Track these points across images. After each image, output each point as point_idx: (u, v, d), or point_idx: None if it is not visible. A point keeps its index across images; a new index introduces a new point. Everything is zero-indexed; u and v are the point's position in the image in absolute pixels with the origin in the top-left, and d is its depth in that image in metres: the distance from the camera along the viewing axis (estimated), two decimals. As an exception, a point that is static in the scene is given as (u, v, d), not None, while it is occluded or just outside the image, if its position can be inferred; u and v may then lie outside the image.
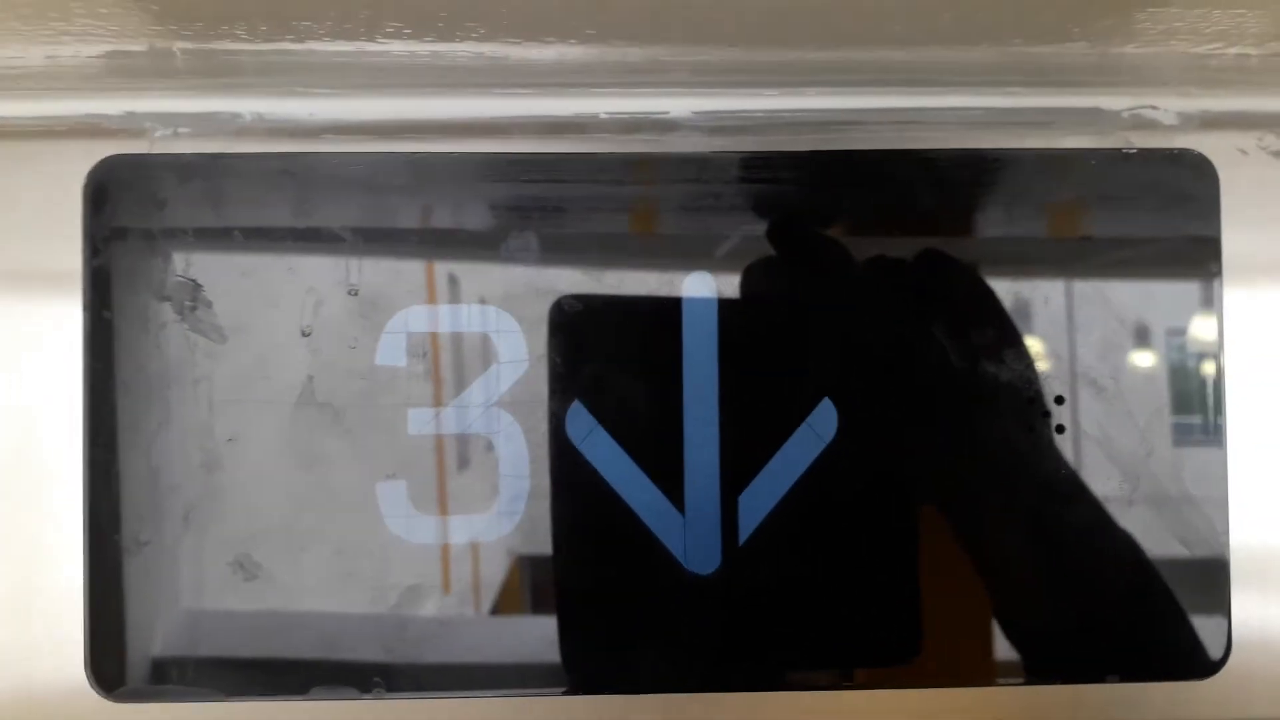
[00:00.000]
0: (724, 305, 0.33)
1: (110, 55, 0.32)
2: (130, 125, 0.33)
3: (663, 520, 0.33)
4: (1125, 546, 0.33)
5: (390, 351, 0.33)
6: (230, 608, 0.32)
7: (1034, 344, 0.33)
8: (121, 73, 0.33)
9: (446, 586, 0.33)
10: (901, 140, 0.34)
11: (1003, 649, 0.33)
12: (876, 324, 0.33)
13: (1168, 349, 0.34)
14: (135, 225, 0.33)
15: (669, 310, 0.33)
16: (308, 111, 0.34)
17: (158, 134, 0.33)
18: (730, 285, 0.33)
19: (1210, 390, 0.34)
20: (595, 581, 0.33)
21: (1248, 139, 0.35)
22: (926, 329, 0.33)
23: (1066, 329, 0.34)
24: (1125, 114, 0.35)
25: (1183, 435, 0.34)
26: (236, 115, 0.34)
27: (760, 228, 0.33)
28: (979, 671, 0.33)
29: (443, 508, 0.33)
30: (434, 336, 0.33)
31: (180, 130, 0.33)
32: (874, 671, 0.33)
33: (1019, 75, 0.34)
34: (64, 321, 0.32)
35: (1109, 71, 0.34)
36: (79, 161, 0.33)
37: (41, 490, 0.32)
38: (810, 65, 0.34)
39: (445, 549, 0.33)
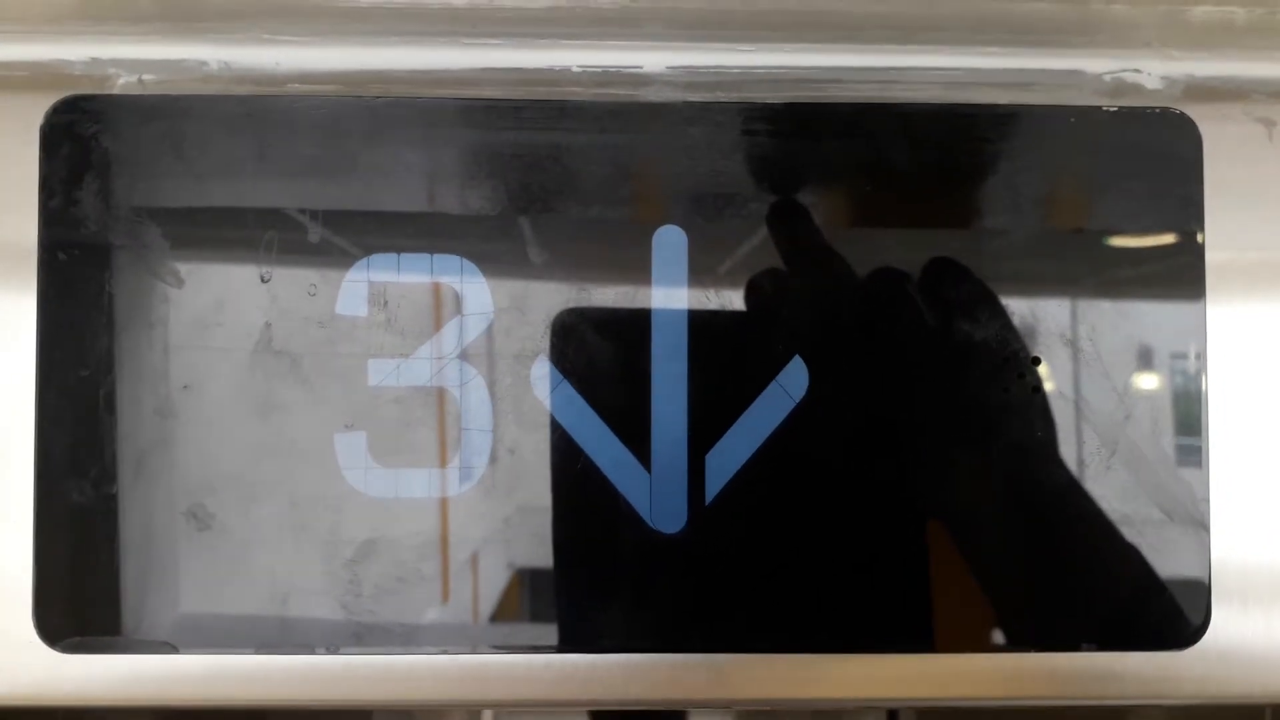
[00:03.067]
0: (694, 259, 0.32)
1: (75, -6, 0.32)
2: (94, 71, 0.33)
3: (628, 478, 0.32)
4: (1102, 511, 0.32)
5: (351, 300, 0.32)
6: (182, 559, 0.32)
7: (1010, 304, 0.33)
8: (86, 15, 0.33)
9: (405, 541, 0.32)
10: (879, 96, 0.33)
11: (977, 615, 0.33)
12: (849, 281, 0.33)
13: (1147, 311, 0.33)
14: (92, 166, 0.32)
15: (638, 264, 0.32)
16: (274, 60, 0.33)
17: (121, 80, 0.33)
18: (700, 238, 0.32)
19: (1189, 350, 0.33)
20: (559, 539, 0.32)
21: (1233, 105, 0.34)
22: (900, 286, 0.33)
23: (1044, 289, 0.33)
24: (1107, 77, 0.34)
25: (1161, 398, 0.33)
26: (202, 63, 0.33)
27: (733, 181, 0.33)
28: (951, 637, 0.32)
29: (402, 461, 0.32)
30: (397, 286, 0.32)
31: (145, 77, 0.33)
32: (843, 635, 0.32)
33: (999, 33, 0.34)
34: (18, 266, 0.32)
35: (1090, 30, 0.34)
36: (40, 109, 0.32)
37: (-10, 435, 0.32)
38: (786, 19, 0.33)
39: (404, 502, 0.32)
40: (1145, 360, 0.33)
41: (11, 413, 0.32)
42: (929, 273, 0.33)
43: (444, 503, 0.32)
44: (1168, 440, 0.33)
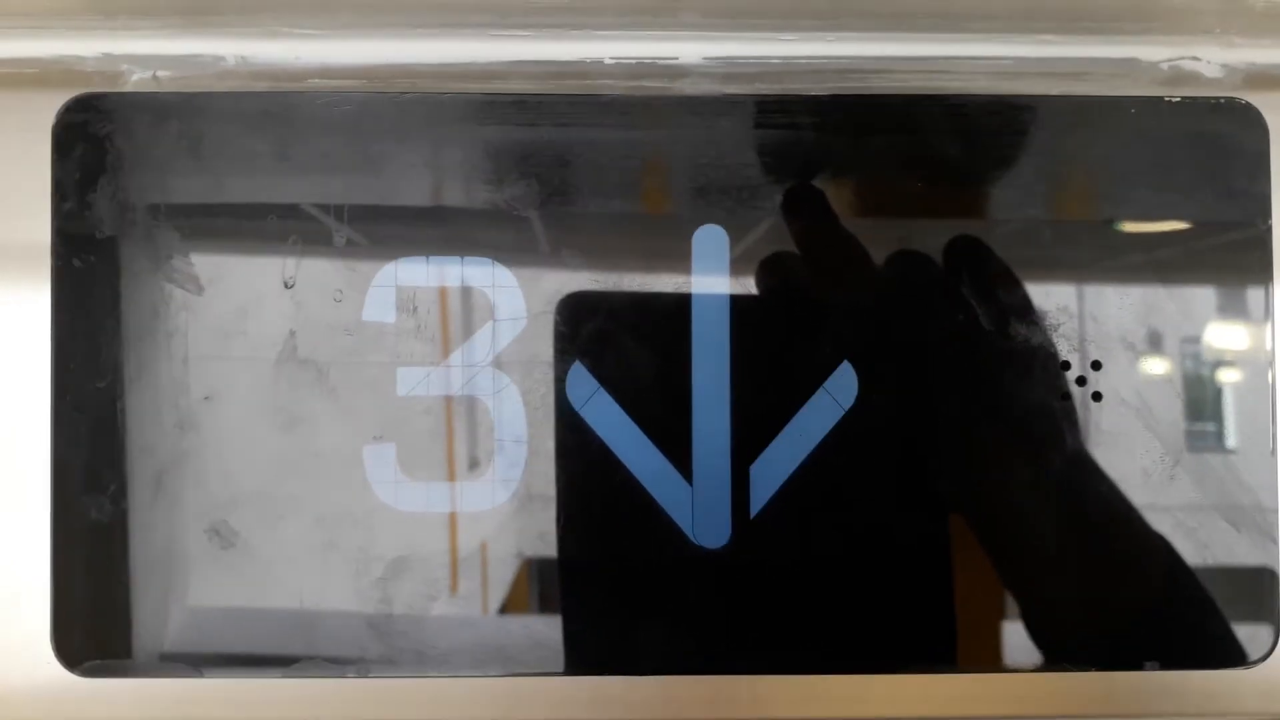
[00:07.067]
0: (736, 260, 0.31)
1: (86, -12, 0.30)
2: (106, 68, 0.32)
3: (669, 490, 0.31)
4: (1163, 525, 0.31)
5: (378, 306, 0.31)
6: (205, 578, 0.30)
7: (1068, 306, 0.31)
8: (98, 10, 0.31)
9: (437, 558, 0.31)
10: (927, 87, 0.32)
11: (1032, 633, 0.31)
12: (899, 283, 0.31)
13: (1212, 310, 0.31)
14: (106, 168, 0.31)
15: (677, 265, 0.31)
16: (294, 54, 0.32)
17: (135, 77, 0.32)
18: (742, 237, 0.31)
19: (1256, 353, 0.31)
20: (597, 555, 0.31)
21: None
22: (954, 288, 0.31)
23: (1104, 288, 0.31)
24: (1165, 65, 0.32)
25: (1225, 404, 0.31)
26: (219, 58, 0.32)
27: (776, 177, 0.31)
28: (1006, 657, 0.31)
29: (434, 473, 0.31)
30: (425, 291, 0.31)
31: (159, 74, 0.32)
32: (893, 655, 0.31)
33: (1051, 21, 0.32)
34: (31, 273, 0.31)
35: (1146, 16, 0.32)
36: (51, 108, 0.31)
37: (4, 451, 0.30)
38: (829, 6, 0.32)
39: (436, 517, 0.30)
40: (1209, 362, 0.32)
41: (26, 427, 0.30)
42: (978, 277, 0.31)
43: (477, 516, 0.31)
44: (1233, 450, 0.31)
